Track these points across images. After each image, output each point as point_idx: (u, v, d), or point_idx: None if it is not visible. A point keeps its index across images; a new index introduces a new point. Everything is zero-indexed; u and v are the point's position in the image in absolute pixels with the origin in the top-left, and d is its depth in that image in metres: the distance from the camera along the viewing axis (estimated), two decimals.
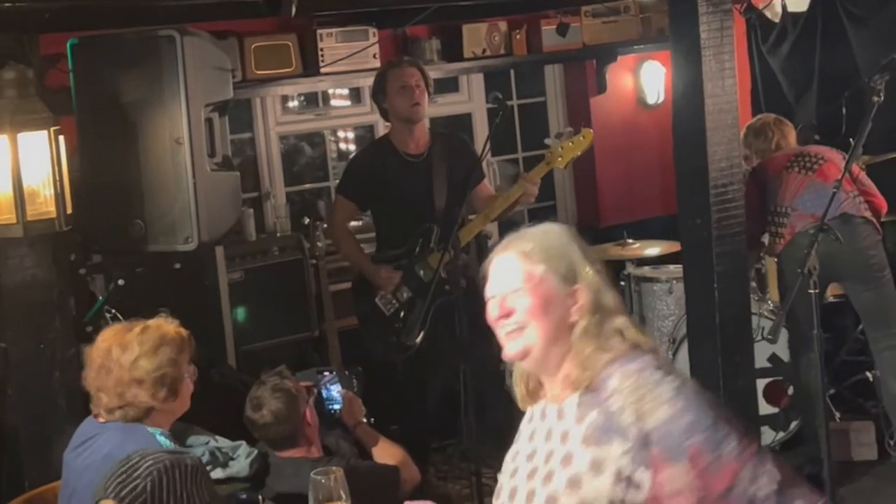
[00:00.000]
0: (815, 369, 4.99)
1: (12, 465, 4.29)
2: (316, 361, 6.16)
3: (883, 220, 5.78)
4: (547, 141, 5.60)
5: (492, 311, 2.54)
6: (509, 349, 2.52)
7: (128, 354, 3.36)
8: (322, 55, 6.26)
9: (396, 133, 5.70)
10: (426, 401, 5.77)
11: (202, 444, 3.90)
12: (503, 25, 6.95)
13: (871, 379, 6.05)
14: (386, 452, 4.44)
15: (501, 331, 2.53)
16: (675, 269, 6.44)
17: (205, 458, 3.77)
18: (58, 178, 3.72)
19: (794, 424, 5.97)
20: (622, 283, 6.77)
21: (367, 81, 6.32)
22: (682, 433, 2.31)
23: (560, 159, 5.45)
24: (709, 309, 4.84)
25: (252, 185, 6.91)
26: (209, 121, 3.91)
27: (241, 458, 4.02)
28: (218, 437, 3.99)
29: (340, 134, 7.53)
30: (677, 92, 4.91)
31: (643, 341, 2.49)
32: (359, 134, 7.46)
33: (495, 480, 2.66)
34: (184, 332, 3.48)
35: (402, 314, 5.56)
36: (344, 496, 3.14)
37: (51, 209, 3.71)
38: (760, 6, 7.36)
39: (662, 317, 6.63)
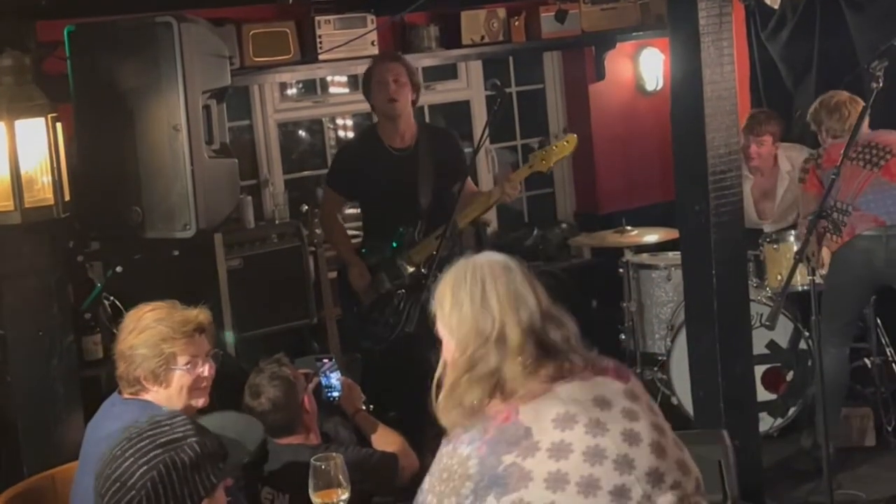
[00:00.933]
0: (837, 362, 5.01)
1: (11, 453, 4.29)
2: (314, 349, 6.17)
3: None
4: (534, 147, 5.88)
5: None
6: None
7: (125, 330, 3.40)
8: (320, 42, 6.25)
9: (382, 126, 5.70)
10: (425, 388, 5.76)
11: None
12: (501, 12, 6.94)
13: (869, 366, 6.06)
14: (385, 440, 4.44)
15: None
16: (674, 256, 6.44)
17: None
18: (55, 165, 3.72)
19: (792, 411, 5.98)
20: (621, 270, 6.78)
21: (365, 68, 6.31)
22: None
23: (543, 162, 5.54)
24: (707, 296, 4.84)
25: (250, 172, 6.91)
26: (207, 108, 3.90)
27: None
28: (205, 417, 3.99)
29: (339, 121, 7.52)
30: (676, 78, 4.90)
31: None
32: (357, 121, 7.45)
33: None
34: (191, 318, 3.44)
35: (381, 306, 5.60)
36: (344, 482, 3.15)
37: (48, 196, 3.70)
38: None
39: (661, 304, 6.64)
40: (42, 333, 4.15)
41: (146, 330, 3.38)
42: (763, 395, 5.76)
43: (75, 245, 5.16)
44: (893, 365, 6.15)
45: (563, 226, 7.80)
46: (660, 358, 6.56)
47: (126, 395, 3.45)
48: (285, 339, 6.02)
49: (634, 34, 7.56)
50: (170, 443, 2.40)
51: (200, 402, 3.46)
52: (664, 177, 7.24)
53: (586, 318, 7.85)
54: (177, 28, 3.76)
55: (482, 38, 6.87)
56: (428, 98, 7.24)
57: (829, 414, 5.07)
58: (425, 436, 5.91)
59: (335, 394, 4.63)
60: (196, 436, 2.45)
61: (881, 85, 4.85)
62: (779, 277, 5.88)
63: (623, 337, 6.83)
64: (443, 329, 2.57)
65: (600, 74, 7.73)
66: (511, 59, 7.75)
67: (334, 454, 3.21)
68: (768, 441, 5.73)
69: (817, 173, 5.58)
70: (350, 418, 4.60)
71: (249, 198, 6.58)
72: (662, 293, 6.63)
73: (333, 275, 6.12)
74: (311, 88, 7.23)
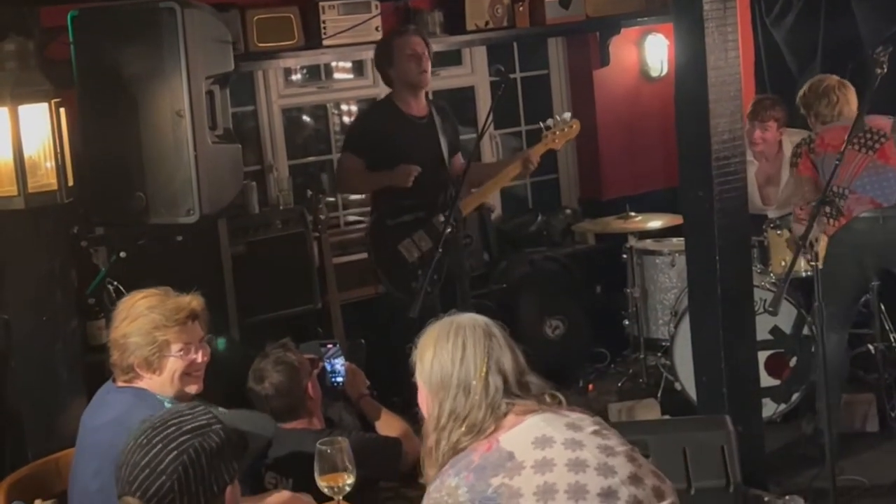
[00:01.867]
0: (837, 347, 5.02)
1: (16, 437, 4.30)
2: (319, 334, 6.17)
3: None
4: (543, 125, 6.09)
5: None
6: None
7: (118, 317, 3.41)
8: (324, 27, 6.25)
9: (401, 97, 5.87)
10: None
11: None
12: None
13: (873, 351, 6.06)
14: (389, 425, 4.45)
15: None
16: (678, 242, 6.44)
17: None
18: (59, 150, 3.72)
19: (795, 397, 5.98)
20: (624, 255, 6.78)
21: (369, 54, 6.33)
22: None
23: (556, 142, 6.02)
24: (710, 281, 4.84)
25: (255, 158, 6.91)
26: (210, 93, 3.89)
27: None
28: (220, 409, 3.99)
29: (343, 107, 7.51)
30: (680, 64, 4.90)
31: None
32: (362, 107, 7.44)
33: None
34: (183, 306, 3.44)
35: (424, 262, 5.59)
36: (350, 467, 3.16)
37: (52, 181, 3.70)
38: None
39: (664, 290, 6.64)
40: (46, 319, 4.15)
41: (139, 318, 3.39)
42: (766, 380, 5.77)
43: (79, 230, 5.17)
44: None
45: (567, 211, 7.81)
46: (663, 344, 6.57)
47: (120, 383, 3.46)
48: (289, 325, 6.02)
49: (639, 20, 7.54)
50: (196, 429, 2.40)
51: (194, 388, 3.47)
52: (668, 163, 7.22)
53: (590, 304, 7.92)
54: (180, 13, 3.75)
55: (486, 23, 6.86)
56: (432, 83, 7.17)
57: (830, 400, 5.08)
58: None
59: (339, 379, 4.64)
60: (219, 423, 2.46)
61: (885, 70, 4.85)
62: (782, 263, 5.88)
63: (627, 323, 6.84)
64: (420, 380, 2.71)
65: (605, 60, 7.72)
66: (515, 44, 7.74)
67: (340, 438, 3.23)
68: (771, 427, 5.73)
69: (810, 157, 5.59)
70: (354, 403, 4.61)
71: (254, 183, 6.58)
72: (666, 279, 6.64)
73: (338, 260, 6.13)
74: (316, 74, 7.22)
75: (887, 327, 6.11)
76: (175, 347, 3.39)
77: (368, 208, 6.28)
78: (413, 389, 3.88)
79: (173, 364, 3.40)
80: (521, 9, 6.97)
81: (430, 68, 5.90)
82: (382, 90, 6.33)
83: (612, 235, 7.13)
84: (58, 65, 4.11)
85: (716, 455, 3.97)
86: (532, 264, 7.38)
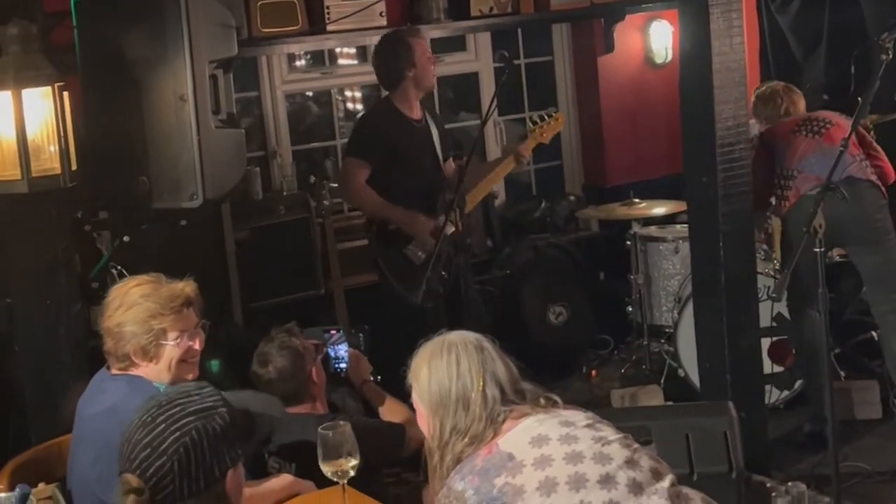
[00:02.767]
0: (818, 328, 5.01)
1: (19, 421, 4.31)
2: (322, 320, 6.17)
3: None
4: (529, 120, 6.27)
5: None
6: None
7: (111, 306, 3.40)
8: (328, 13, 6.23)
9: (403, 99, 5.75)
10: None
11: None
12: None
13: (875, 338, 6.06)
14: (392, 411, 4.46)
15: None
16: (682, 229, 6.45)
17: None
18: (62, 134, 3.71)
19: (798, 384, 5.98)
20: (628, 242, 6.78)
21: (373, 40, 6.29)
22: None
23: (544, 135, 6.11)
24: (714, 268, 4.84)
25: (258, 143, 6.91)
26: (213, 78, 3.89)
27: None
28: (222, 393, 4.00)
29: (347, 93, 7.51)
30: (684, 50, 4.89)
31: None
32: (366, 93, 7.44)
33: None
34: (178, 292, 3.43)
35: (430, 262, 5.55)
36: (353, 452, 3.16)
37: (55, 165, 3.69)
38: None
39: (668, 276, 6.64)
40: (49, 303, 4.15)
41: (133, 306, 3.38)
42: (769, 367, 5.77)
43: (83, 215, 5.17)
44: None
45: (571, 198, 7.81)
46: (667, 330, 6.57)
47: (115, 371, 3.45)
48: (293, 310, 6.01)
49: (644, 6, 7.53)
50: (201, 411, 2.40)
51: (191, 375, 3.46)
52: (672, 149, 7.20)
53: (594, 291, 7.93)
54: None
55: (491, 9, 6.84)
56: (437, 69, 7.21)
57: (822, 383, 5.08)
58: None
59: (342, 365, 4.65)
60: (225, 406, 2.46)
61: (890, 57, 4.83)
62: None
63: (630, 309, 6.85)
64: (417, 399, 2.79)
65: (609, 46, 7.71)
66: (520, 30, 7.73)
67: (343, 423, 3.23)
68: (774, 413, 5.74)
69: (763, 147, 5.76)
70: (357, 389, 4.62)
71: (257, 169, 6.59)
72: (670, 265, 6.64)
73: (342, 246, 6.11)
74: (320, 60, 7.22)
75: None
76: (171, 335, 3.38)
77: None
78: None
79: (170, 352, 3.39)
80: None
81: None
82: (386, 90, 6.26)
83: (615, 222, 7.14)
84: (61, 50, 4.10)
85: (719, 441, 3.97)
86: (536, 251, 7.38)
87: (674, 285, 6.57)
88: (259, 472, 3.90)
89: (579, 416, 2.69)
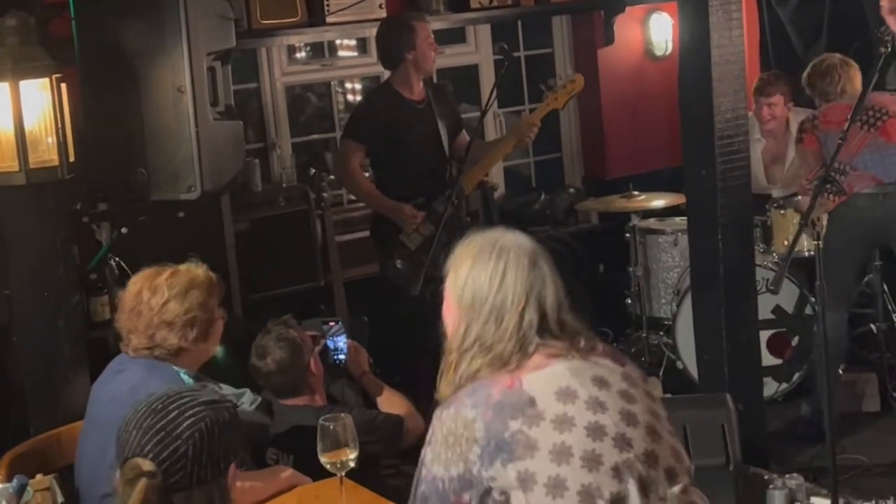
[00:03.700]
0: (840, 327, 5.01)
1: (18, 412, 4.31)
2: (322, 312, 6.17)
3: None
4: (545, 86, 6.25)
5: None
6: None
7: (157, 297, 3.46)
8: (328, 5, 6.23)
9: (402, 81, 5.82)
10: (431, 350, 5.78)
11: None
12: None
13: (875, 331, 6.06)
14: (391, 402, 4.46)
15: None
16: (681, 221, 6.45)
17: None
18: (60, 125, 3.71)
19: (797, 376, 5.99)
20: (627, 234, 6.78)
21: (373, 32, 6.29)
22: None
23: (558, 100, 6.02)
24: (713, 261, 4.84)
25: (258, 135, 6.90)
26: (212, 69, 3.88)
27: (246, 405, 4.06)
28: (222, 385, 4.01)
29: (347, 85, 7.50)
30: (684, 42, 4.88)
31: None
32: (365, 85, 7.43)
33: None
34: (213, 275, 3.59)
35: (428, 248, 5.55)
36: (352, 443, 3.17)
37: (53, 157, 3.69)
38: None
39: (667, 269, 6.65)
40: (48, 294, 4.15)
41: (189, 292, 3.49)
42: (768, 359, 5.78)
43: (81, 206, 5.17)
44: None
45: (571, 190, 7.80)
46: (666, 322, 6.58)
47: (131, 353, 3.51)
48: (292, 302, 6.02)
49: None
50: (210, 402, 2.43)
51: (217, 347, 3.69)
52: (672, 142, 7.20)
53: (593, 283, 7.93)
54: None
55: (490, 1, 6.83)
56: (437, 62, 7.20)
57: (829, 375, 5.08)
58: (431, 398, 5.96)
59: (341, 357, 4.65)
60: (229, 402, 2.50)
61: (889, 49, 4.83)
62: (785, 243, 5.88)
63: (629, 301, 6.85)
64: (450, 292, 2.56)
65: (609, 39, 7.69)
66: (519, 22, 7.71)
67: (343, 415, 3.23)
68: (772, 405, 5.75)
69: (815, 133, 5.60)
70: (356, 381, 4.62)
71: (257, 161, 6.58)
72: (669, 258, 6.64)
73: (341, 238, 6.11)
74: (319, 51, 7.21)
75: (890, 307, 6.11)
76: (219, 312, 3.59)
77: None
78: (414, 370, 3.88)
79: (218, 327, 3.60)
80: None
81: None
82: (384, 70, 6.28)
83: (615, 214, 7.13)
84: (59, 42, 4.10)
85: (716, 433, 3.98)
86: None
87: (673, 278, 6.57)
88: (257, 463, 3.91)
89: (615, 377, 2.46)
